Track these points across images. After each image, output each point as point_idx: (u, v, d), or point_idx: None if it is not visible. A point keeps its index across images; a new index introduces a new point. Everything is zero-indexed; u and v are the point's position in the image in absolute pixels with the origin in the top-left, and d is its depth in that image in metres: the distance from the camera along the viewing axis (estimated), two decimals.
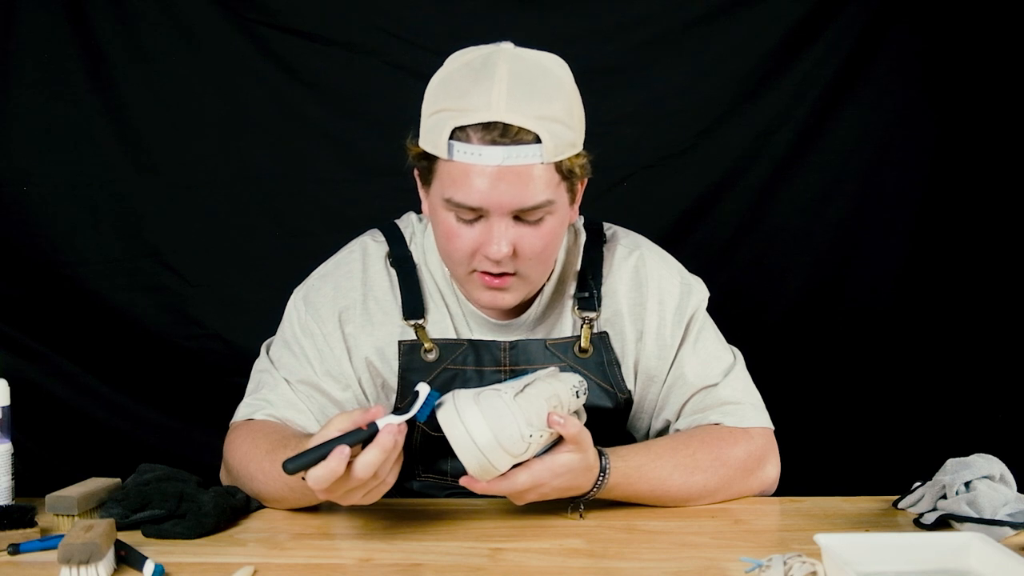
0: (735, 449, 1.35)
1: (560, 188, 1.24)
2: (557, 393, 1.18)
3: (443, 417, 1.11)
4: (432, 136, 1.22)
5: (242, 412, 1.37)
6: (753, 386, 1.44)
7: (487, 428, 1.09)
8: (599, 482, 1.23)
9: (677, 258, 1.51)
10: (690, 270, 1.51)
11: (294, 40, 2.06)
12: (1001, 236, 2.11)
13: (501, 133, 1.17)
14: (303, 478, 1.08)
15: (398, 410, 1.12)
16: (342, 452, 1.04)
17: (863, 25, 2.09)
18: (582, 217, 1.48)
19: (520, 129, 1.17)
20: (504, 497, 1.19)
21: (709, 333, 1.44)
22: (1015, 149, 2.08)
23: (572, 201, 1.31)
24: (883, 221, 2.14)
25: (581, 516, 1.26)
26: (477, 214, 1.22)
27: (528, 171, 1.19)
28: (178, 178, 2.06)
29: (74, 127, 2.02)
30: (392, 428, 1.07)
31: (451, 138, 1.19)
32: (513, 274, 1.26)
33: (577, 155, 1.25)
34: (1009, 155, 2.09)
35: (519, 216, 1.22)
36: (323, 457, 1.05)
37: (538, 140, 1.18)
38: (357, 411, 1.10)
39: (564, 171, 1.23)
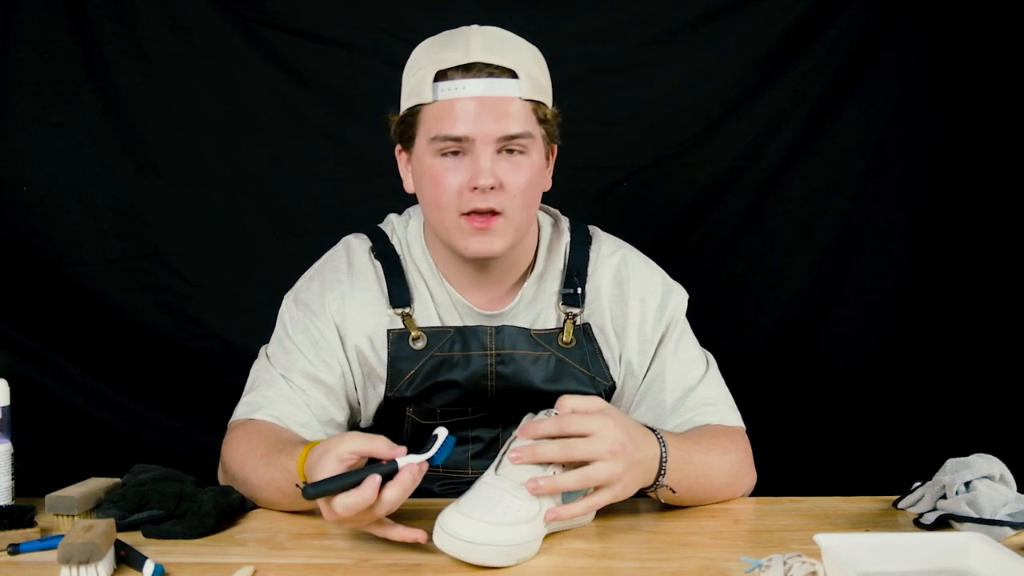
0: (738, 441, 1.39)
1: (537, 130, 1.33)
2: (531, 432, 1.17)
3: (437, 540, 1.09)
4: (416, 88, 1.32)
5: (240, 411, 1.38)
6: (727, 388, 1.46)
7: (467, 520, 1.07)
8: (662, 444, 1.20)
9: (677, 258, 1.52)
10: (690, 270, 1.52)
11: (294, 40, 2.06)
12: (1002, 236, 2.11)
13: (480, 69, 1.28)
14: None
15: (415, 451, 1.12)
16: (374, 481, 1.05)
17: (863, 25, 2.09)
18: (567, 219, 1.51)
19: (498, 66, 1.29)
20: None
21: (688, 337, 1.47)
22: (1016, 149, 2.08)
23: (547, 159, 1.38)
24: (883, 221, 2.14)
25: (674, 491, 1.23)
26: (462, 147, 1.29)
27: (508, 103, 1.29)
28: (178, 178, 2.06)
29: (74, 127, 2.02)
30: (413, 468, 1.08)
31: (435, 81, 1.29)
32: (499, 213, 1.31)
33: (551, 107, 1.35)
34: (1010, 155, 2.09)
35: (501, 151, 1.30)
36: (344, 486, 1.05)
37: (515, 76, 1.29)
38: (380, 439, 1.10)
39: (540, 115, 1.33)
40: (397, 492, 1.06)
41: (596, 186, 2.07)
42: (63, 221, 2.02)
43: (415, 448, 1.11)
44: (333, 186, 2.08)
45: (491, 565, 1.08)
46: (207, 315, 2.07)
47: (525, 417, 1.21)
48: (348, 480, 1.06)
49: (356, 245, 1.46)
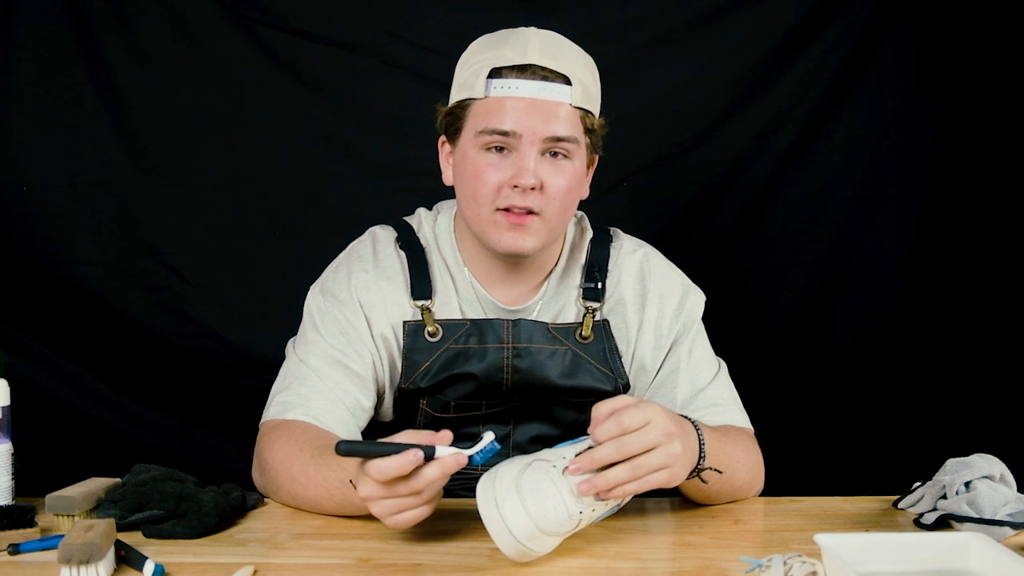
0: (753, 441, 1.40)
1: (583, 138, 1.33)
2: None
3: (480, 498, 1.07)
4: (468, 82, 1.32)
5: (273, 411, 1.36)
6: (735, 392, 1.47)
7: (527, 518, 1.04)
8: (697, 428, 1.18)
9: (677, 258, 1.53)
10: (690, 270, 1.52)
11: (294, 40, 2.06)
12: (1002, 236, 2.11)
13: (535, 71, 1.29)
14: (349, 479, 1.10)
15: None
16: (416, 454, 1.04)
17: (863, 25, 2.09)
18: (584, 215, 1.52)
19: (553, 71, 1.29)
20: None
21: (702, 339, 1.48)
22: (1015, 148, 2.08)
23: (587, 167, 1.39)
24: (883, 221, 2.14)
25: (720, 471, 1.22)
26: (508, 143, 1.30)
27: (558, 107, 1.30)
28: (178, 178, 2.05)
29: (74, 127, 2.02)
30: (457, 456, 1.07)
31: (488, 77, 1.30)
32: (536, 214, 1.31)
33: (598, 118, 1.35)
34: (1010, 154, 2.09)
35: (546, 151, 1.30)
36: (379, 452, 1.04)
37: (568, 83, 1.30)
38: (425, 432, 1.09)
39: (587, 124, 1.33)
40: (437, 469, 1.05)
41: (596, 186, 2.06)
42: (63, 221, 2.02)
43: None
44: (333, 186, 2.08)
45: (507, 555, 1.06)
46: (207, 315, 2.07)
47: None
48: (385, 448, 1.05)
49: (382, 235, 1.46)
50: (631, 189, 2.10)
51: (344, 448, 1.05)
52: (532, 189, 1.29)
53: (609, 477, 1.07)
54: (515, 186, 1.29)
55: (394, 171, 2.06)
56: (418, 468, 1.05)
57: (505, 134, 1.28)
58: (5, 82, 1.99)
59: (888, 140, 2.12)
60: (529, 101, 1.28)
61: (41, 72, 2.00)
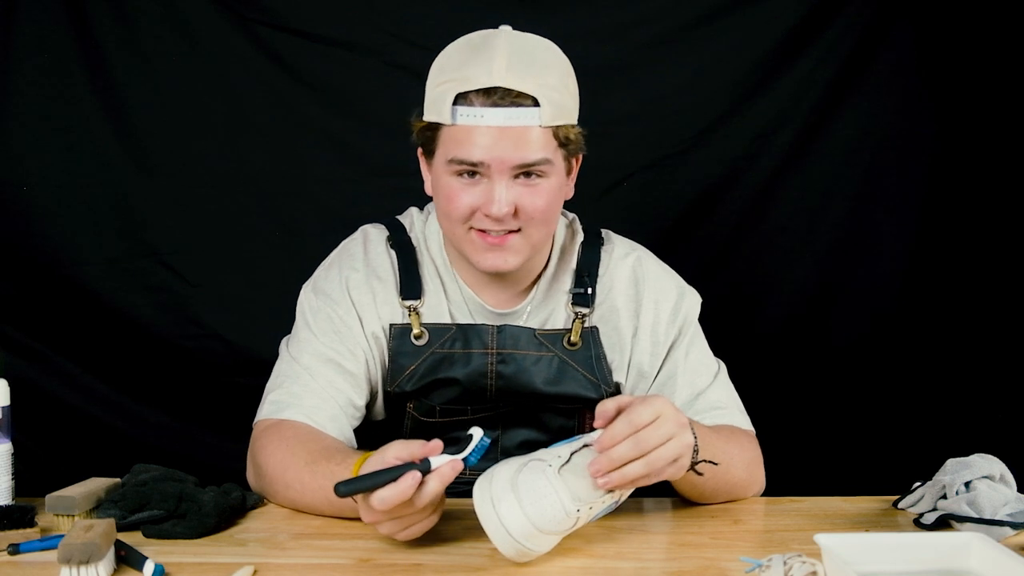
0: (751, 441, 1.40)
1: (557, 153, 1.30)
2: None
3: (477, 499, 1.07)
4: (436, 106, 1.28)
5: (266, 410, 1.36)
6: (736, 393, 1.46)
7: (523, 518, 1.04)
8: (691, 427, 1.16)
9: (677, 258, 1.53)
10: (690, 270, 1.52)
11: (294, 40, 2.06)
12: (1002, 236, 2.11)
13: (501, 96, 1.24)
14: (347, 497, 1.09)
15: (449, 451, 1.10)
16: (415, 476, 1.04)
17: (863, 25, 2.09)
18: (576, 218, 1.51)
19: (520, 93, 1.25)
20: None
21: (700, 340, 1.47)
22: (1016, 148, 2.08)
23: (568, 173, 1.37)
24: (883, 221, 2.14)
25: (716, 463, 1.22)
26: (479, 172, 1.28)
27: (527, 132, 1.26)
28: (178, 178, 2.06)
29: (74, 127, 2.02)
30: (454, 462, 1.07)
31: (454, 104, 1.26)
32: (517, 231, 1.31)
33: (572, 126, 1.32)
34: (1010, 154, 2.09)
35: (518, 175, 1.28)
36: (378, 483, 1.04)
37: (536, 104, 1.25)
38: (416, 442, 1.09)
39: (561, 138, 1.30)
40: (436, 482, 1.05)
41: (596, 186, 2.07)
42: (63, 221, 2.02)
43: None
44: (333, 186, 2.09)
45: (506, 555, 1.06)
46: (207, 315, 2.07)
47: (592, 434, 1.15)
48: (383, 477, 1.05)
49: (373, 234, 1.46)
50: (631, 189, 2.11)
51: (344, 490, 1.05)
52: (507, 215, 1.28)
53: (626, 472, 1.07)
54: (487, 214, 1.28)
55: (394, 171, 2.05)
56: (418, 487, 1.05)
57: (474, 164, 1.27)
58: (5, 82, 1.99)
59: (888, 140, 2.12)
60: (496, 129, 1.24)
61: (41, 72, 2.00)
